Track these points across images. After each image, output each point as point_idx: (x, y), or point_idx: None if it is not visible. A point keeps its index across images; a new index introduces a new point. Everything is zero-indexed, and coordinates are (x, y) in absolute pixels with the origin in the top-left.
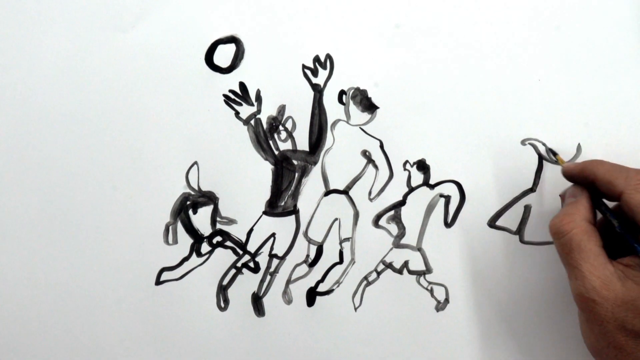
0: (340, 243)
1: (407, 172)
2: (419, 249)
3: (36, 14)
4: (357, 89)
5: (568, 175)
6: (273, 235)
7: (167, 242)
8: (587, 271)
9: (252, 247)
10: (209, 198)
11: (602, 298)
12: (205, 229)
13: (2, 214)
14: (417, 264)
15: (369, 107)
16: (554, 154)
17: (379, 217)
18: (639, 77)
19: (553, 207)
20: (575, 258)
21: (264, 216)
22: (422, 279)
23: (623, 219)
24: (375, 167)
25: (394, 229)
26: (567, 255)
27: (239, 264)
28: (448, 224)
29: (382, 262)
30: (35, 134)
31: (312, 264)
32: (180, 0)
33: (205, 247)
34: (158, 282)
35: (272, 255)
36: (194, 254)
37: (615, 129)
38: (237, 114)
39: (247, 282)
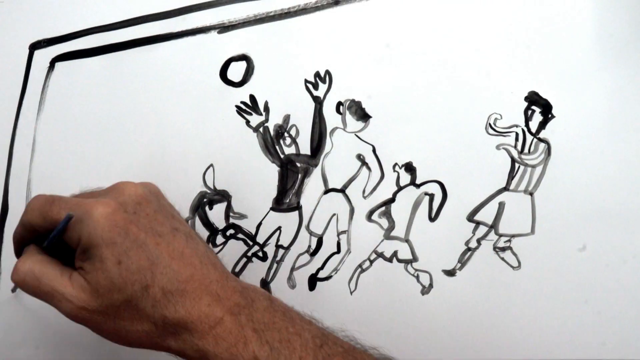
0: (338, 235)
1: (396, 173)
2: (407, 240)
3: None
4: (353, 101)
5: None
6: (279, 228)
7: None
8: (63, 288)
9: (260, 238)
10: (223, 196)
11: (85, 300)
12: (219, 223)
13: None
14: (405, 253)
15: (363, 116)
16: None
17: (371, 212)
18: (602, 88)
19: (523, 203)
20: (47, 285)
21: (271, 212)
22: (409, 266)
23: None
24: (369, 168)
25: (384, 223)
26: (41, 290)
27: (249, 254)
28: (432, 219)
29: (375, 251)
30: (74, 138)
31: (313, 254)
32: (198, 22)
33: (219, 239)
34: None
35: (278, 246)
36: (210, 245)
37: (579, 137)
38: (247, 122)
39: (257, 270)
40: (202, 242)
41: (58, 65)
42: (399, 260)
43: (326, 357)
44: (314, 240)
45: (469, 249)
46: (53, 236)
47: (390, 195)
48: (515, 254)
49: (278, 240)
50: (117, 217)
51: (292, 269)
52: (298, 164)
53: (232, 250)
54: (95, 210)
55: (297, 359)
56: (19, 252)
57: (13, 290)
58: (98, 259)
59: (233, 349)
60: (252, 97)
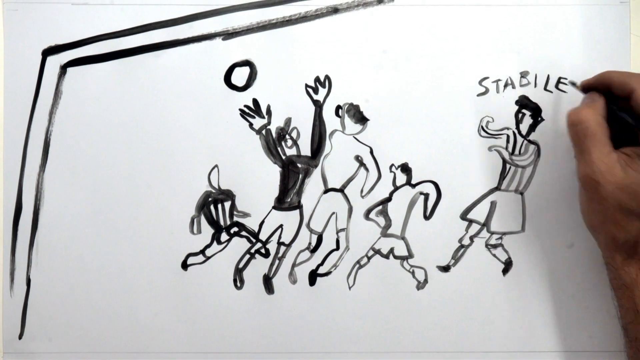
0: (337, 233)
1: (392, 174)
2: (403, 238)
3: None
4: (351, 104)
5: (586, 86)
6: (281, 226)
7: (192, 232)
8: (596, 156)
9: (263, 236)
10: (227, 195)
11: (606, 181)
12: (224, 221)
13: (59, 208)
14: (401, 250)
15: (361, 119)
16: (574, 83)
17: (369, 211)
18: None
19: (514, 202)
20: (587, 144)
21: (273, 210)
22: (405, 262)
23: (632, 114)
24: (366, 169)
25: (381, 221)
26: (580, 141)
27: (252, 250)
28: (427, 217)
29: (372, 248)
30: (84, 140)
31: (313, 250)
32: (203, 29)
33: (224, 236)
34: (184, 265)
35: (280, 243)
36: (215, 242)
37: (568, 139)
38: (250, 125)
39: (259, 266)
40: None
41: (69, 70)
42: (396, 257)
43: None
44: (314, 238)
45: (462, 246)
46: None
47: (387, 195)
48: (506, 251)
49: (280, 237)
50: None
51: (293, 265)
52: (299, 165)
53: (236, 247)
54: None
55: None
56: (588, 87)
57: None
58: None
59: None
60: (255, 101)
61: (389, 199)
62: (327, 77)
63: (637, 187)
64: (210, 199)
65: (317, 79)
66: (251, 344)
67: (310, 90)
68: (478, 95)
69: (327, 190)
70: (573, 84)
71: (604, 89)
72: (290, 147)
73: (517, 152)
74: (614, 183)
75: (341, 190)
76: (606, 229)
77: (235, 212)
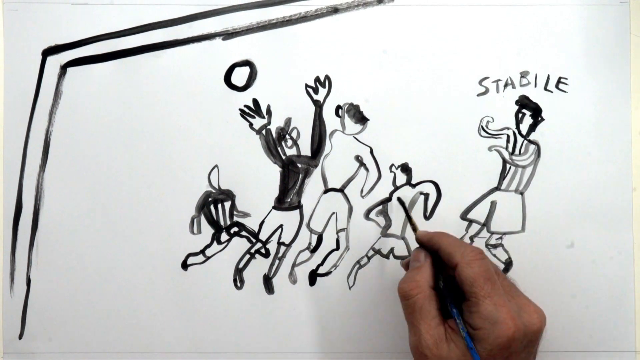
0: (337, 233)
1: (392, 174)
2: (403, 238)
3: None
4: (351, 104)
5: (419, 241)
6: (281, 226)
7: (192, 232)
8: (424, 330)
9: (263, 236)
10: (227, 195)
11: (432, 354)
12: (224, 221)
13: (59, 208)
14: (401, 250)
15: (361, 119)
16: (411, 222)
17: (369, 211)
18: (589, 93)
19: (514, 202)
20: (416, 318)
21: (273, 210)
22: None
23: (454, 286)
24: (366, 169)
25: (381, 221)
26: (410, 315)
27: (252, 250)
28: (427, 217)
29: (372, 248)
30: (84, 140)
31: (313, 250)
32: (203, 29)
33: (224, 236)
34: (184, 265)
35: (280, 243)
36: (215, 242)
37: (568, 139)
38: (250, 125)
39: (259, 266)
40: None
41: (69, 70)
42: (396, 257)
43: None
44: (314, 238)
45: None
46: (453, 316)
47: (387, 195)
48: (506, 251)
49: (280, 237)
50: (513, 345)
51: (293, 265)
52: (299, 165)
53: (236, 247)
54: (507, 328)
55: None
56: (421, 241)
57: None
58: (464, 358)
59: None
60: (255, 101)
61: (389, 199)
62: (327, 77)
63: None
64: (210, 199)
65: (317, 79)
66: (251, 344)
67: (310, 90)
68: (478, 95)
69: (327, 190)
70: (401, 202)
71: (434, 250)
72: (290, 147)
73: (517, 152)
74: (438, 357)
75: (341, 190)
76: None
77: (235, 212)
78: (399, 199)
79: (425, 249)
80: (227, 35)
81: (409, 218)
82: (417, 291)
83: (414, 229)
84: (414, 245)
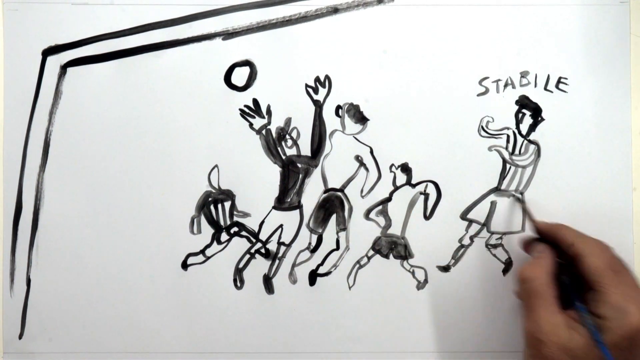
0: (337, 233)
1: (392, 174)
2: (403, 238)
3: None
4: (351, 104)
5: (539, 232)
6: (281, 226)
7: (192, 232)
8: (542, 315)
9: (263, 236)
10: (228, 195)
11: (549, 341)
12: (224, 221)
13: (59, 208)
14: (401, 250)
15: (361, 119)
16: (530, 216)
17: (369, 211)
18: (589, 93)
19: (515, 203)
20: (534, 303)
21: (273, 210)
22: (405, 262)
23: (574, 276)
24: (366, 169)
25: (381, 221)
26: (528, 299)
27: (252, 250)
28: (427, 217)
29: (372, 248)
30: (84, 140)
31: (313, 250)
32: (203, 29)
33: (224, 236)
34: (184, 265)
35: (280, 243)
36: (215, 242)
37: (568, 139)
38: (250, 125)
39: (260, 266)
40: None
41: (69, 70)
42: (395, 257)
43: None
44: (314, 238)
45: (462, 246)
46: (577, 308)
47: (387, 195)
48: (506, 251)
49: (280, 237)
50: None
51: (294, 265)
52: (299, 165)
53: (236, 247)
54: (637, 319)
55: None
56: (541, 231)
57: None
58: (584, 343)
59: None
60: (255, 101)
61: (389, 199)
62: (327, 77)
63: (579, 352)
64: (210, 199)
65: (317, 79)
66: (251, 344)
67: (310, 90)
68: (478, 95)
69: (327, 190)
70: (520, 200)
71: (553, 241)
72: (290, 147)
73: (517, 152)
74: (557, 344)
75: (341, 190)
76: None
77: (235, 212)
78: (515, 197)
79: (544, 241)
80: (227, 35)
81: (526, 212)
82: (537, 276)
83: (533, 220)
84: (413, 245)
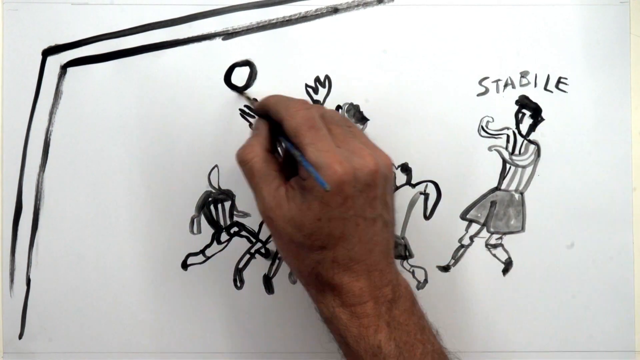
0: None
1: None
2: (403, 238)
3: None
4: (351, 104)
5: (255, 112)
6: None
7: (192, 232)
8: (266, 193)
9: (263, 236)
10: (227, 195)
11: (276, 216)
12: (224, 221)
13: (59, 208)
14: (401, 250)
15: (361, 119)
16: (247, 97)
17: None
18: (589, 93)
19: (515, 202)
20: (257, 182)
21: None
22: (405, 262)
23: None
24: None
25: None
26: (250, 180)
27: (252, 250)
28: (427, 217)
29: None
30: (84, 140)
31: None
32: (203, 29)
33: (224, 236)
34: (184, 265)
35: None
36: (215, 242)
37: (568, 139)
38: (251, 125)
39: (259, 266)
40: (392, 231)
41: (70, 70)
42: (395, 257)
43: None
44: None
45: (462, 246)
46: (293, 153)
47: None
48: (506, 251)
49: None
50: (346, 188)
51: None
52: None
53: (236, 247)
54: (334, 172)
55: None
56: (257, 111)
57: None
58: (307, 204)
59: (364, 329)
60: (255, 101)
61: None
62: (327, 77)
63: (298, 219)
64: (210, 199)
65: (317, 79)
66: (251, 344)
67: (311, 90)
68: (478, 95)
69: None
70: (251, 99)
71: (267, 114)
72: None
73: (517, 152)
74: (282, 217)
75: None
76: (291, 263)
77: (235, 212)
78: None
79: (263, 117)
80: (227, 35)
81: (242, 94)
82: (253, 155)
83: (252, 102)
84: (414, 245)
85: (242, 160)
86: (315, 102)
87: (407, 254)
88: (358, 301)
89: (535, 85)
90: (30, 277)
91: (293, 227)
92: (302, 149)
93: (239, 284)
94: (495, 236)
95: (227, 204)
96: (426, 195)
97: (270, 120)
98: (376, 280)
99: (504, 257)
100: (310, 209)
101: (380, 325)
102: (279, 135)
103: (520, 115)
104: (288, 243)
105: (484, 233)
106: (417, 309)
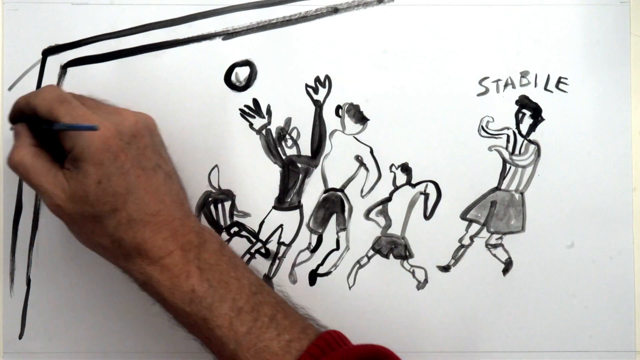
0: (337, 233)
1: (392, 174)
2: (403, 238)
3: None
4: (351, 104)
5: (11, 120)
6: (281, 226)
7: None
8: (46, 185)
9: (263, 236)
10: (228, 195)
11: (62, 200)
12: (224, 221)
13: None
14: (401, 250)
15: (361, 119)
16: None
17: (369, 211)
18: (589, 93)
19: (515, 202)
20: (34, 178)
21: (273, 210)
22: (405, 262)
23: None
24: (366, 169)
25: (381, 220)
26: (28, 180)
27: (252, 250)
28: (427, 217)
29: (372, 248)
30: None
31: (313, 250)
32: (203, 29)
33: (224, 236)
34: None
35: (280, 243)
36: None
37: (568, 139)
38: (251, 125)
39: (259, 265)
40: (178, 182)
41: (69, 70)
42: (395, 257)
43: (258, 303)
44: (314, 238)
45: (462, 246)
46: (55, 129)
47: (387, 195)
48: (506, 251)
49: (280, 237)
50: (112, 142)
51: (294, 265)
52: (299, 165)
53: (236, 247)
54: (91, 134)
55: (231, 300)
56: (12, 119)
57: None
58: (83, 172)
59: (175, 279)
60: (255, 101)
61: (389, 199)
62: (327, 77)
63: (81, 190)
64: (210, 199)
65: (317, 79)
66: None
67: (311, 90)
68: (478, 95)
69: (327, 190)
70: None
71: (30, 114)
72: (290, 147)
73: (517, 152)
74: (67, 199)
75: (341, 190)
76: (95, 245)
77: (235, 212)
78: None
79: (18, 121)
80: (227, 35)
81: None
82: (22, 155)
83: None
84: (414, 245)
85: (13, 164)
86: (316, 102)
87: (407, 254)
88: (164, 253)
89: (535, 85)
90: (30, 277)
91: (80, 202)
92: (60, 121)
93: None
94: (496, 236)
95: (227, 204)
96: (426, 195)
97: (27, 119)
98: (178, 228)
99: (504, 257)
100: (87, 175)
101: (190, 270)
102: (39, 125)
103: (520, 115)
104: (82, 223)
105: (484, 233)
106: (226, 249)
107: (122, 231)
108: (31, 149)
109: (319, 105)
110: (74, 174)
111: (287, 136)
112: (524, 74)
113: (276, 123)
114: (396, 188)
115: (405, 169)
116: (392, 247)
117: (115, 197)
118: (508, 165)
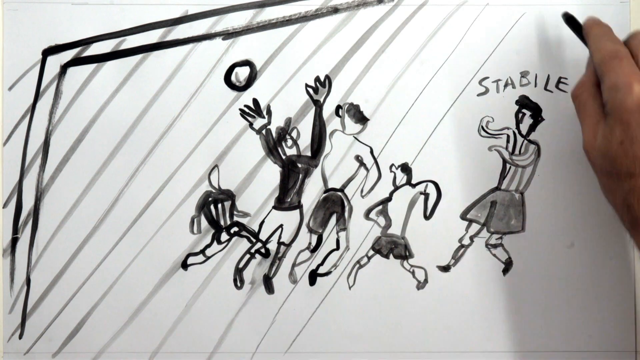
0: (337, 233)
1: (392, 174)
2: (403, 238)
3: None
4: (351, 104)
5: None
6: (281, 226)
7: (192, 232)
8: (586, 127)
9: (263, 236)
10: (228, 195)
11: (590, 148)
12: (224, 221)
13: (59, 208)
14: (401, 250)
15: (361, 119)
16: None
17: (369, 211)
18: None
19: (515, 202)
20: (580, 116)
21: (273, 210)
22: (405, 262)
23: None
24: (366, 169)
25: (382, 220)
26: (578, 115)
27: (252, 250)
28: (427, 217)
29: (372, 248)
30: (84, 140)
31: (313, 250)
32: (203, 29)
33: (224, 236)
34: (184, 265)
35: (280, 243)
36: (215, 242)
37: (568, 139)
38: (251, 125)
39: (259, 265)
40: None
41: (69, 70)
42: (395, 257)
43: None
44: (314, 238)
45: (462, 246)
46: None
47: (387, 195)
48: (506, 251)
49: (280, 237)
50: None
51: (294, 265)
52: (299, 165)
53: (236, 247)
54: (631, 90)
55: None
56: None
57: None
58: (609, 127)
59: None
60: (255, 101)
61: (389, 199)
62: (327, 77)
63: (604, 146)
64: (210, 199)
65: (317, 79)
66: (251, 344)
67: (311, 90)
68: (478, 95)
69: (327, 190)
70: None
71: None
72: (290, 147)
73: (517, 152)
74: (593, 149)
75: (341, 190)
76: (608, 197)
77: (235, 212)
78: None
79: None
80: (228, 35)
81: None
82: (582, 91)
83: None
84: (414, 245)
85: (573, 95)
86: (316, 102)
87: (407, 254)
88: None
89: (535, 85)
90: (30, 277)
91: (601, 157)
92: (603, 77)
93: (239, 284)
94: (496, 236)
95: (227, 204)
96: (426, 195)
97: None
98: None
99: (504, 257)
100: (612, 132)
101: None
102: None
103: (520, 115)
104: (600, 175)
105: (484, 233)
106: None
107: (634, 199)
108: (592, 89)
109: (319, 105)
110: (604, 126)
111: (287, 136)
112: (524, 74)
113: (276, 123)
114: (396, 188)
115: (405, 168)
116: (392, 247)
117: (635, 161)
118: (508, 165)
